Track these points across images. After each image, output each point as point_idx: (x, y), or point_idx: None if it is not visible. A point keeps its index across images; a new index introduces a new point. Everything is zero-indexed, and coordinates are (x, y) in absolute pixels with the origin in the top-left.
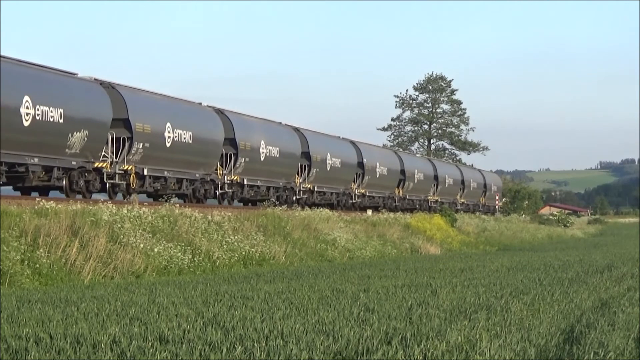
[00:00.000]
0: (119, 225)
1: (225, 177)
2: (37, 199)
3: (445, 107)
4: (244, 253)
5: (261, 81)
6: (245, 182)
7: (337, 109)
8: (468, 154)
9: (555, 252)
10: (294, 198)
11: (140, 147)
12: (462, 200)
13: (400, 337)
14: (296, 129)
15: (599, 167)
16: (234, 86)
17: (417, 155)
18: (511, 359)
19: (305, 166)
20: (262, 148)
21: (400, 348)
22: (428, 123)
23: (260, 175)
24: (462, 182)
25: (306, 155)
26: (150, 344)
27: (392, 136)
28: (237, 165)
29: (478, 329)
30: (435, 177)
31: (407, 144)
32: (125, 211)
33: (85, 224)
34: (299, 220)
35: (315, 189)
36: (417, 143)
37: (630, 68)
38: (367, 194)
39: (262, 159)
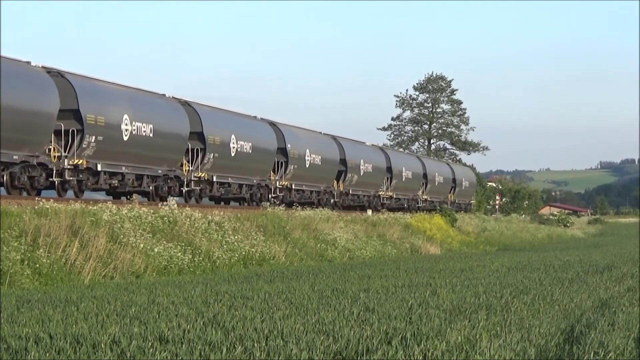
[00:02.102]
0: (119, 225)
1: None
2: (37, 199)
3: (445, 107)
4: (244, 253)
5: (261, 81)
6: (99, 168)
7: (337, 109)
8: (468, 154)
9: (555, 252)
10: (184, 190)
11: None
12: (425, 197)
13: (400, 337)
14: (186, 103)
15: (599, 167)
16: (234, 86)
17: (367, 144)
18: (511, 359)
19: (198, 150)
20: (125, 125)
21: (400, 348)
22: (428, 123)
23: (124, 160)
24: (425, 176)
25: (200, 136)
26: (150, 344)
27: (392, 136)
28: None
29: (478, 329)
30: (389, 170)
31: (407, 144)
32: (125, 211)
33: (85, 224)
34: (299, 220)
35: (214, 179)
36: (417, 143)
37: (630, 68)
38: (294, 187)
39: (125, 138)
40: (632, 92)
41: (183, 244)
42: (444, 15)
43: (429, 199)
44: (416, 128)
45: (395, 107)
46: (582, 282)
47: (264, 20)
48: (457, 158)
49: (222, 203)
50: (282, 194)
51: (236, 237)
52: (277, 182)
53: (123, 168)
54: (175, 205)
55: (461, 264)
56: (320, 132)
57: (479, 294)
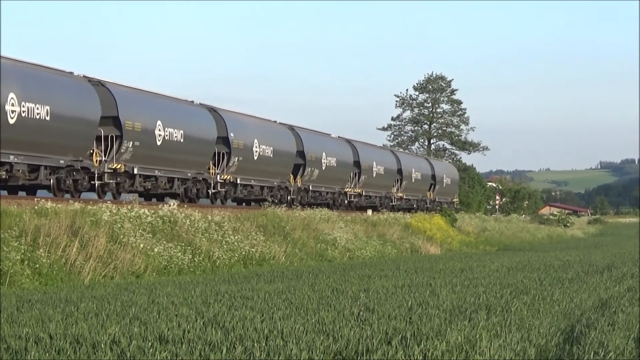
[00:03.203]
0: (119, 225)
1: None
2: (37, 199)
3: (445, 107)
4: (244, 253)
5: (261, 82)
6: None
7: (338, 109)
8: (468, 154)
9: (555, 252)
10: (96, 184)
11: None
12: (400, 195)
13: (400, 337)
14: (99, 83)
15: (599, 167)
16: (235, 86)
17: (333, 135)
18: (511, 359)
19: (113, 138)
20: (12, 106)
21: (400, 348)
22: (428, 123)
23: (11, 148)
24: (399, 171)
25: (115, 122)
26: (150, 344)
27: (392, 136)
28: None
29: (478, 329)
30: (357, 164)
31: (407, 144)
32: (125, 211)
33: (85, 224)
34: (299, 220)
35: (135, 171)
36: (417, 143)
37: (630, 68)
38: (239, 181)
39: (10, 121)
40: (632, 92)
41: (183, 244)
42: (444, 15)
43: (404, 197)
44: (416, 128)
45: (395, 107)
46: (582, 282)
47: (263, 21)
48: (457, 158)
49: (154, 199)
50: (224, 190)
51: (236, 237)
52: (218, 176)
53: (11, 157)
54: (175, 206)
55: (461, 264)
56: (275, 121)
57: (479, 294)
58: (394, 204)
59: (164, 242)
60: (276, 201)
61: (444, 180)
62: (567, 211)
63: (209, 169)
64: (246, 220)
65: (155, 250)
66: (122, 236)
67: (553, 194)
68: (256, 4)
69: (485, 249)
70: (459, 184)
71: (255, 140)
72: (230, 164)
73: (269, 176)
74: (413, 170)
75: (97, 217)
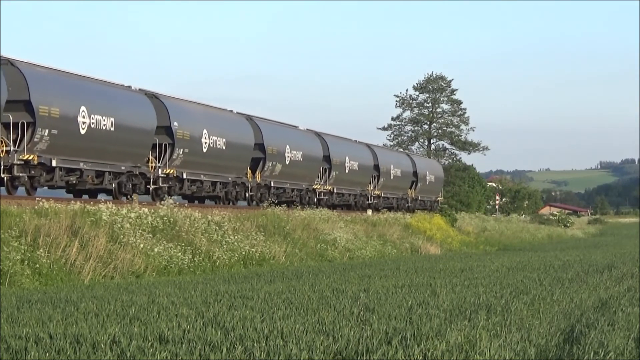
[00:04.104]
0: (119, 225)
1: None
2: (37, 199)
3: (445, 107)
4: (244, 253)
5: (261, 82)
6: None
7: (338, 109)
8: (468, 154)
9: (555, 252)
10: (5, 178)
11: None
12: (377, 193)
13: (400, 337)
14: (8, 62)
15: (599, 167)
16: (235, 86)
17: (300, 128)
18: (511, 359)
19: (25, 125)
20: None
21: (400, 348)
22: (428, 123)
23: None
24: (376, 167)
25: (27, 107)
26: (150, 344)
27: (392, 136)
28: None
29: (478, 329)
30: (327, 159)
31: (407, 144)
32: (125, 211)
33: (85, 224)
34: (299, 220)
35: (54, 164)
36: (417, 143)
37: (630, 68)
38: (186, 176)
39: None
40: (632, 92)
41: (183, 244)
42: (444, 15)
43: (382, 195)
44: (416, 128)
45: (395, 107)
46: (582, 282)
47: (263, 21)
48: (457, 158)
49: (88, 196)
50: (166, 185)
51: (236, 237)
52: (160, 171)
53: None
54: (175, 204)
55: (461, 264)
56: (231, 111)
57: (479, 294)
58: (370, 202)
59: (164, 242)
60: (232, 198)
61: (427, 178)
62: (567, 211)
63: (148, 162)
64: (246, 220)
65: (155, 250)
66: (122, 236)
67: (553, 194)
68: (256, 4)
69: (485, 249)
70: (459, 184)
71: (205, 131)
72: (174, 157)
73: (221, 171)
74: (392, 166)
75: (97, 217)
